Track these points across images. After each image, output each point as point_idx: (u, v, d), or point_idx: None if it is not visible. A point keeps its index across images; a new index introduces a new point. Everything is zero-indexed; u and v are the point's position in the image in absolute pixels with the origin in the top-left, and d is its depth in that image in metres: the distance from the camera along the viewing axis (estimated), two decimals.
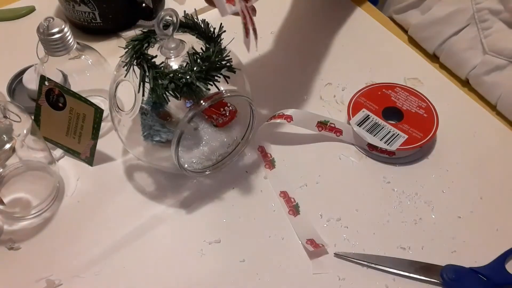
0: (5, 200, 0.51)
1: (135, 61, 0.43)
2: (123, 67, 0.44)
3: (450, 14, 0.64)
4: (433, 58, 0.67)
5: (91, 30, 0.69)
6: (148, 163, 0.52)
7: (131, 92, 0.45)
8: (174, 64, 0.44)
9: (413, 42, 0.69)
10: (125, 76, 0.45)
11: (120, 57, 0.46)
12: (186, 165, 0.49)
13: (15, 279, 0.46)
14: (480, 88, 0.62)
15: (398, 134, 0.54)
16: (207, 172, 0.51)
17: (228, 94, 0.45)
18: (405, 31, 0.71)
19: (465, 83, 0.64)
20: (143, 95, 0.44)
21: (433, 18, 0.65)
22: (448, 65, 0.65)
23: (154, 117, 0.48)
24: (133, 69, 0.44)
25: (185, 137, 0.43)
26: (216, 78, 0.43)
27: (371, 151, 0.55)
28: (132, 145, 0.51)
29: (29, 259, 0.47)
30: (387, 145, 0.53)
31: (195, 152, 0.51)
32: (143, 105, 0.46)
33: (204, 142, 0.52)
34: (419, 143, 0.54)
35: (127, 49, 0.44)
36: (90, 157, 0.53)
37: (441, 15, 0.64)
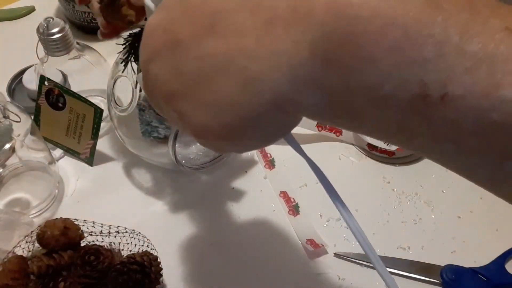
0: (5, 200, 0.51)
1: (133, 56, 0.43)
2: (121, 63, 0.44)
3: None
4: None
5: (91, 30, 0.68)
6: (147, 159, 0.52)
7: (129, 90, 0.45)
8: None
9: None
10: (122, 72, 0.45)
11: (118, 53, 0.46)
12: (183, 161, 0.49)
13: None
14: None
15: None
16: (205, 168, 0.51)
17: None
18: None
19: None
20: (140, 90, 0.44)
21: None
22: None
23: (152, 113, 0.48)
24: (131, 65, 0.44)
25: (182, 133, 0.43)
26: None
27: (371, 151, 0.55)
28: (131, 142, 0.51)
29: None
30: (387, 145, 0.53)
31: (193, 148, 0.51)
32: (141, 101, 0.46)
33: None
34: None
35: (124, 45, 0.44)
36: (90, 157, 0.53)
37: None
